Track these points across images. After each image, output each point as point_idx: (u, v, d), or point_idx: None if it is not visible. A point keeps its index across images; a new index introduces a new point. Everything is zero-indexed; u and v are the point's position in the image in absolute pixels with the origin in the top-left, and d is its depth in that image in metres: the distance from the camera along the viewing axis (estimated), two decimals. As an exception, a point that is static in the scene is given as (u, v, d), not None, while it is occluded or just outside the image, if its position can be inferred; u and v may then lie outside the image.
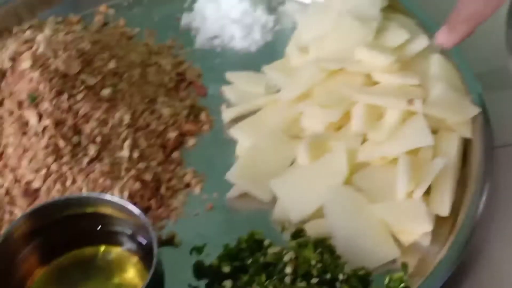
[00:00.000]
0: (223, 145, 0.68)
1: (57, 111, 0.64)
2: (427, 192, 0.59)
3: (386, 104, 0.61)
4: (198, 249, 0.61)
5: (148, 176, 0.65)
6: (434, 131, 0.61)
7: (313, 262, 0.55)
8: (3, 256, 0.54)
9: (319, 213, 0.60)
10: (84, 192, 0.61)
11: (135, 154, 0.65)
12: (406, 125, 0.61)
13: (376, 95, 0.62)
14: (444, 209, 0.59)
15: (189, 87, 0.72)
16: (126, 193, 0.63)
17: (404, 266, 0.57)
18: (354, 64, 0.64)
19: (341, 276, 0.55)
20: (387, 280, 0.56)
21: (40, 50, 0.66)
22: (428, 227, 0.57)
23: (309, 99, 0.65)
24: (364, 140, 0.62)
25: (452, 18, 0.59)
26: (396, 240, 0.59)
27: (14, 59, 0.66)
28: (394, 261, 0.58)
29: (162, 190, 0.65)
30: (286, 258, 0.56)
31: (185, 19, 0.77)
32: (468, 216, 0.58)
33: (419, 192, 0.58)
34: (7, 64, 0.66)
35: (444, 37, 0.59)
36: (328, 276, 0.55)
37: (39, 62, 0.65)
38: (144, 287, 0.53)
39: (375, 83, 0.64)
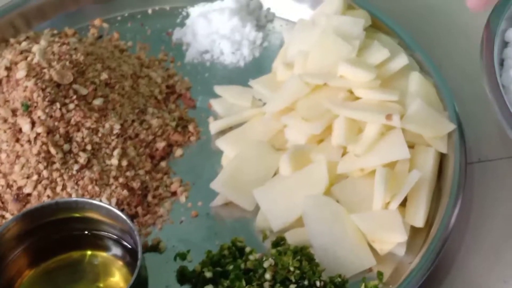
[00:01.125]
0: (209, 155, 0.70)
1: (50, 120, 0.66)
2: (403, 203, 0.61)
3: (366, 118, 0.64)
4: (182, 255, 0.63)
5: (135, 184, 0.67)
6: (411, 146, 0.64)
7: (291, 269, 0.57)
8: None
9: (299, 222, 0.62)
10: (73, 197, 0.63)
11: (124, 163, 0.68)
12: (384, 139, 0.63)
13: (356, 109, 0.64)
14: (419, 220, 0.61)
15: (178, 99, 0.75)
16: (114, 200, 0.66)
17: (380, 274, 0.59)
18: (337, 79, 0.66)
19: (318, 283, 0.57)
20: (362, 287, 0.59)
21: (35, 60, 0.68)
22: (403, 237, 0.60)
23: (293, 112, 0.67)
24: (344, 153, 0.65)
25: None
26: (372, 249, 0.61)
27: (9, 68, 0.69)
28: (370, 269, 0.60)
29: (149, 198, 0.68)
30: (265, 264, 0.58)
31: (177, 34, 0.80)
32: (442, 228, 0.60)
33: (395, 204, 0.61)
34: (2, 73, 0.68)
35: (474, 1, 0.61)
36: (306, 282, 0.57)
37: (33, 72, 0.67)
38: (127, 289, 0.55)
39: (357, 98, 0.66)
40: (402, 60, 0.67)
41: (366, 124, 0.64)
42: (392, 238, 0.60)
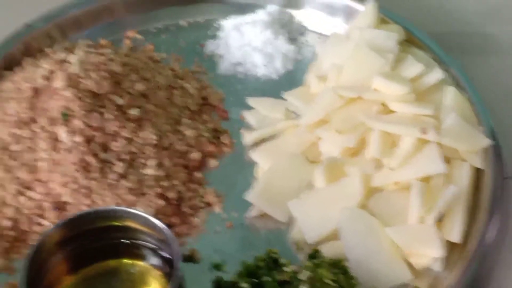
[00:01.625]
0: (243, 167, 0.71)
1: (87, 129, 0.67)
2: (440, 218, 0.62)
3: (401, 132, 0.64)
4: (218, 266, 0.63)
5: (171, 194, 0.68)
6: (447, 160, 0.64)
7: (328, 281, 0.57)
8: (36, 260, 0.57)
9: (334, 235, 0.63)
10: (112, 206, 0.64)
11: (160, 173, 0.68)
12: (419, 152, 0.63)
13: (391, 123, 0.65)
14: (456, 235, 0.61)
15: (212, 111, 0.76)
16: (150, 210, 0.66)
17: (416, 289, 0.60)
18: (371, 92, 0.67)
19: (354, 296, 0.58)
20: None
21: (73, 70, 0.69)
22: (440, 252, 0.60)
23: (327, 125, 0.68)
24: (378, 166, 0.65)
25: None
26: (408, 264, 0.61)
27: (48, 78, 0.70)
28: (405, 284, 0.60)
29: (184, 208, 0.68)
30: (301, 276, 0.58)
31: (210, 46, 0.81)
32: (478, 243, 0.60)
33: (431, 218, 0.61)
34: (41, 82, 0.69)
35: None
36: (342, 295, 0.57)
37: (71, 82, 0.68)
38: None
39: (391, 111, 0.67)
40: (437, 74, 0.68)
41: (400, 138, 0.65)
42: (428, 253, 0.60)
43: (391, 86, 0.66)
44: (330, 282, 0.57)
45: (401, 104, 0.66)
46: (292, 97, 0.73)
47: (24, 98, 0.69)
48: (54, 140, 0.67)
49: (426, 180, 0.63)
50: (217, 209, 0.68)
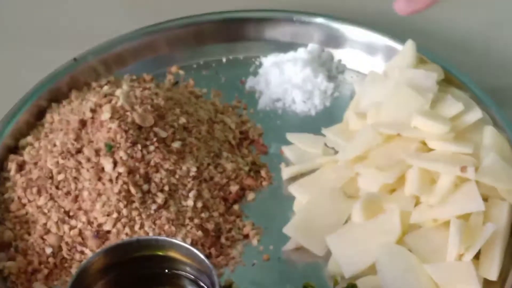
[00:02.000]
0: (281, 200, 0.72)
1: (131, 160, 0.69)
2: (477, 256, 0.62)
3: (440, 169, 0.65)
4: (255, 298, 0.64)
5: (210, 226, 0.69)
6: (485, 198, 0.64)
7: (365, 316, 0.58)
8: (80, 285, 0.58)
9: (371, 270, 0.63)
10: (154, 236, 0.65)
11: (199, 204, 0.70)
12: (458, 190, 0.64)
13: (430, 160, 0.66)
14: (493, 273, 0.61)
15: (251, 145, 0.77)
16: (188, 240, 0.68)
17: (453, 326, 0.59)
18: (410, 130, 0.68)
19: (391, 331, 0.58)
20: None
21: (119, 103, 0.72)
22: (477, 289, 0.60)
23: (366, 161, 0.69)
24: (417, 203, 0.65)
25: None
26: (445, 301, 0.61)
27: (94, 110, 0.72)
28: (442, 321, 0.61)
29: (222, 239, 0.69)
30: (339, 309, 0.59)
31: (250, 82, 0.82)
32: (516, 281, 0.60)
33: (469, 255, 0.61)
34: (88, 115, 0.72)
35: (402, 4, 0.57)
36: (379, 330, 0.58)
37: (117, 114, 0.71)
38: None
39: (429, 149, 0.68)
40: (476, 114, 0.69)
41: (439, 175, 0.65)
42: (466, 290, 0.60)
43: (430, 124, 0.67)
44: (368, 317, 0.58)
45: (440, 143, 0.67)
46: (331, 133, 0.74)
47: (71, 130, 0.72)
48: (99, 170, 0.69)
49: (464, 217, 0.63)
50: (254, 241, 0.69)
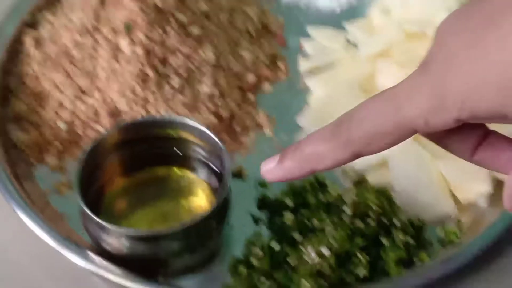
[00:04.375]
0: (297, 93, 0.71)
1: (149, 42, 0.68)
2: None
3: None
4: (264, 184, 0.64)
5: (224, 113, 0.69)
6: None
7: (372, 206, 0.58)
8: (91, 160, 0.59)
9: (382, 164, 0.63)
10: (168, 115, 0.66)
11: (215, 91, 0.69)
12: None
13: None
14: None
15: (271, 37, 0.76)
16: (202, 125, 0.67)
17: (459, 222, 0.60)
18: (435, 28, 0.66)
19: (397, 223, 0.58)
20: (441, 232, 0.59)
21: (140, -16, 0.70)
22: (487, 188, 0.60)
23: (387, 57, 0.67)
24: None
25: (287, 149, 0.45)
26: (454, 198, 0.61)
27: (114, -11, 0.71)
28: (449, 217, 0.61)
29: (236, 127, 0.69)
30: (346, 199, 0.59)
31: (274, -26, 0.80)
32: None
33: (482, 154, 0.60)
34: (107, -6, 0.71)
35: (268, 166, 0.46)
36: (385, 220, 0.58)
37: (137, -5, 0.70)
38: (213, 208, 0.56)
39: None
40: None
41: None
42: (476, 188, 0.60)
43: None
44: (374, 206, 0.58)
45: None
46: (353, 28, 0.72)
47: (90, 7, 0.71)
48: (116, 50, 0.69)
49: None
50: (267, 131, 0.69)
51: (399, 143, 0.40)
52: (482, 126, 0.41)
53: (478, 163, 0.42)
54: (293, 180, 0.47)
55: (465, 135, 0.41)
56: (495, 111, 0.36)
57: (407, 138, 0.40)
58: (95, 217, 0.56)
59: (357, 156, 0.42)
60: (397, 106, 0.39)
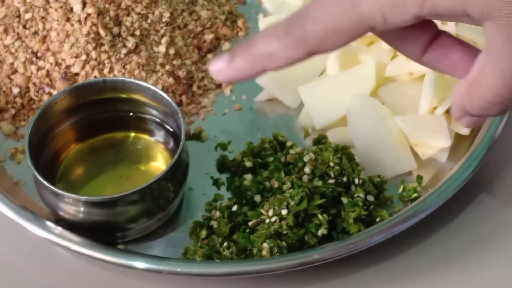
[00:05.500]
0: (256, 51, 0.70)
1: (101, 1, 0.66)
2: (449, 110, 0.61)
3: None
4: (223, 145, 0.63)
5: (181, 73, 0.67)
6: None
7: (331, 164, 0.57)
8: (41, 125, 0.57)
9: (342, 122, 0.62)
10: (120, 77, 0.64)
11: (171, 51, 0.68)
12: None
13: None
14: (464, 128, 0.60)
15: (228, -6, 0.74)
16: (159, 87, 0.66)
17: (419, 178, 0.59)
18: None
19: (357, 181, 0.57)
20: (401, 189, 0.59)
21: None
22: (446, 143, 0.59)
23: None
24: (393, 56, 0.63)
25: (238, 47, 0.43)
26: (414, 154, 0.60)
27: None
28: (409, 172, 0.60)
29: (194, 88, 0.68)
30: (306, 158, 0.58)
31: None
32: (486, 137, 0.59)
33: (442, 109, 0.60)
34: (56, -48, 0.68)
35: (218, 66, 0.43)
36: (345, 179, 0.57)
37: (87, -47, 0.67)
38: (167, 169, 0.55)
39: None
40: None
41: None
42: (435, 143, 0.59)
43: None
44: (333, 165, 0.57)
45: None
46: (311, -17, 0.70)
47: (39, -34, 0.68)
48: (67, 10, 0.66)
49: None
50: (227, 91, 0.68)
51: (354, 40, 0.39)
52: (434, 25, 0.40)
53: (427, 64, 0.41)
54: (244, 80, 0.44)
55: (418, 34, 0.40)
56: (457, 8, 0.36)
57: (362, 36, 0.39)
58: (48, 184, 0.54)
59: (311, 54, 0.41)
60: (355, 2, 0.38)
